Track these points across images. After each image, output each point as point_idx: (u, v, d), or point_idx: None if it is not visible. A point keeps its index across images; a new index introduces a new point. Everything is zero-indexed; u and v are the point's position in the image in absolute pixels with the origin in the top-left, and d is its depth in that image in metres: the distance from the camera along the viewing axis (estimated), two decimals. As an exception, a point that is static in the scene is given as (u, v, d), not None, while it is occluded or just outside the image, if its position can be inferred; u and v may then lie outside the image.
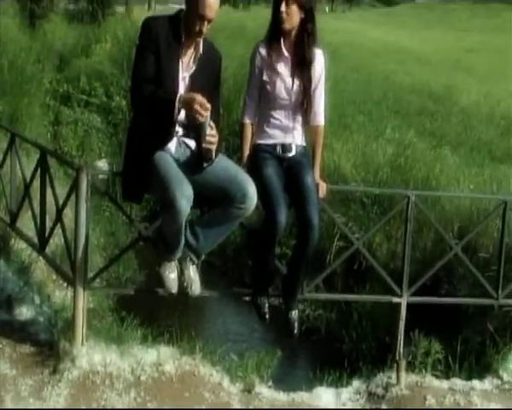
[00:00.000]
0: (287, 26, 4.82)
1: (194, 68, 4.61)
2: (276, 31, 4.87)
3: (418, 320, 6.78)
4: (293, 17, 4.80)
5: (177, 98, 4.35)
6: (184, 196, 4.35)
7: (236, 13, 44.34)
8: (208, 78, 4.68)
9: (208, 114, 4.31)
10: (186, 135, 4.70)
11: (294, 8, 4.78)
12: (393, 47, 36.08)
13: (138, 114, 4.66)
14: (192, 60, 4.62)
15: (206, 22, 4.48)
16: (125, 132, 16.19)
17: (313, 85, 4.97)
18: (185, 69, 4.61)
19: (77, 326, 5.11)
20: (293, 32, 4.87)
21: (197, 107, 4.27)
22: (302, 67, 4.91)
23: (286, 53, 4.90)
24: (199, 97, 4.29)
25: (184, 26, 4.54)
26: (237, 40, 22.46)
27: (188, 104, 4.32)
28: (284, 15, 4.77)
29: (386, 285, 6.08)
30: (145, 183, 4.62)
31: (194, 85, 4.58)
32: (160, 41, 4.49)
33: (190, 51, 4.61)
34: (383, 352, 7.34)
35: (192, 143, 4.70)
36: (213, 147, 4.45)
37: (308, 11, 4.83)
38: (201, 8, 4.44)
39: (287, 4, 4.76)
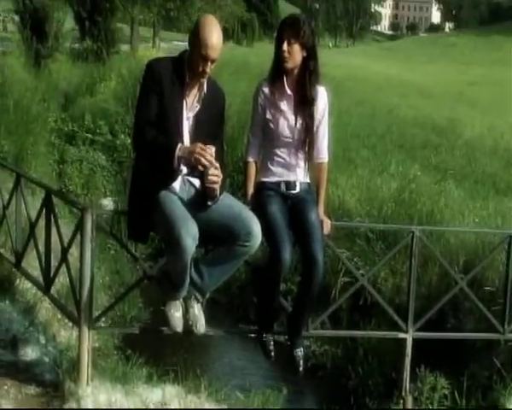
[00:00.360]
0: (289, 65, 4.86)
1: (198, 108, 4.63)
2: (278, 69, 4.91)
3: (424, 355, 6.76)
4: (295, 56, 4.84)
5: (178, 148, 4.40)
6: (190, 234, 4.36)
7: (240, 49, 44.68)
8: (212, 116, 4.71)
9: (210, 158, 4.34)
10: (190, 173, 4.71)
11: (296, 47, 4.83)
12: (396, 81, 36.31)
13: (140, 157, 4.70)
14: (196, 99, 4.64)
15: (209, 62, 4.52)
16: (129, 170, 16.34)
17: (316, 123, 4.99)
18: (189, 109, 4.63)
19: (82, 366, 5.10)
20: (296, 70, 4.90)
21: (197, 156, 4.33)
22: (305, 104, 4.93)
23: (289, 91, 4.93)
24: (198, 149, 4.34)
25: (188, 66, 4.58)
26: (241, 76, 22.63)
27: (188, 155, 4.37)
28: (286, 55, 4.82)
29: (392, 321, 6.07)
30: (150, 222, 4.62)
31: (198, 125, 4.62)
32: (163, 82, 4.52)
33: (194, 91, 4.64)
34: (389, 388, 7.31)
35: (196, 182, 4.71)
36: (217, 186, 4.48)
37: (310, 49, 4.88)
38: (204, 48, 4.48)
39: (289, 44, 4.81)
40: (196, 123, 4.63)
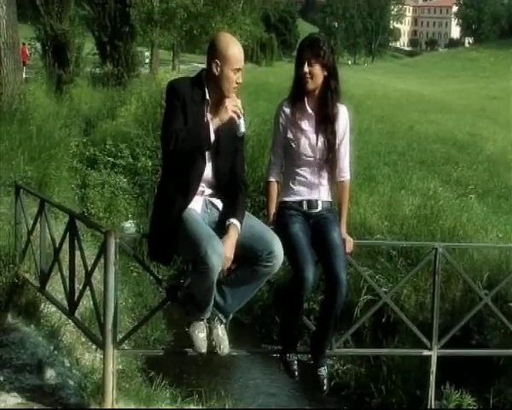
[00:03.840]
0: (310, 86, 4.89)
1: (219, 125, 4.68)
2: (299, 89, 4.94)
3: (449, 372, 6.71)
4: (316, 77, 4.87)
5: (210, 120, 4.58)
6: (216, 252, 4.39)
7: (259, 69, 44.86)
8: (233, 130, 4.74)
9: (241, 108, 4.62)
10: (213, 195, 4.76)
11: (317, 67, 4.85)
12: (416, 96, 36.22)
13: (168, 167, 4.73)
14: (217, 118, 4.69)
15: (240, 73, 4.67)
16: (151, 193, 16.44)
17: (338, 141, 5.01)
18: (211, 124, 4.66)
19: (107, 389, 5.12)
20: (317, 90, 4.93)
21: (231, 106, 4.56)
22: (326, 123, 4.95)
23: (310, 110, 4.96)
24: (227, 101, 4.60)
25: (211, 84, 4.66)
26: (260, 96, 22.73)
27: (222, 116, 4.58)
28: (308, 76, 4.85)
29: (416, 338, 6.03)
30: (173, 243, 4.65)
31: (219, 139, 4.66)
32: (185, 99, 4.60)
33: (215, 109, 4.69)
34: (414, 405, 7.25)
35: (219, 203, 4.76)
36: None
37: (331, 68, 4.90)
38: (236, 62, 4.62)
39: (309, 64, 4.84)
40: (218, 138, 4.66)
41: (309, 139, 4.95)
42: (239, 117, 4.58)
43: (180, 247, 4.65)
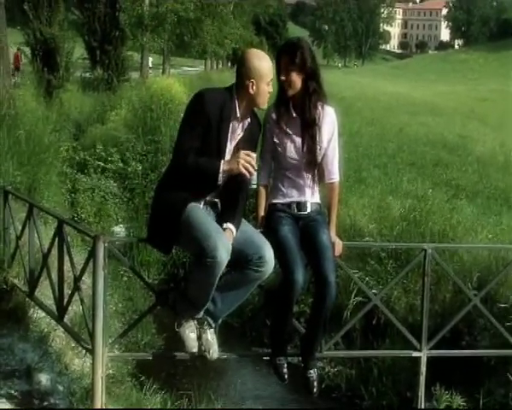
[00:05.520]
0: (290, 92, 4.91)
1: (240, 136, 4.74)
2: (282, 95, 4.95)
3: (439, 373, 6.72)
4: (294, 83, 4.87)
5: (222, 163, 4.54)
6: (225, 247, 4.43)
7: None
8: (250, 141, 4.79)
9: (254, 163, 4.53)
10: (213, 196, 4.79)
11: (294, 74, 4.86)
12: (406, 99, 36.35)
13: (173, 176, 4.71)
14: (240, 128, 4.74)
15: (271, 82, 4.74)
16: (141, 197, 16.40)
17: (324, 143, 5.01)
18: (234, 139, 4.73)
19: (96, 394, 5.10)
20: (299, 94, 4.94)
21: (242, 162, 4.50)
22: (309, 126, 4.97)
23: (294, 114, 4.97)
24: (242, 154, 4.51)
25: (242, 100, 4.67)
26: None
27: (233, 165, 4.52)
28: (285, 84, 4.87)
29: (406, 339, 6.04)
30: (175, 233, 4.63)
31: (237, 149, 4.69)
32: (211, 119, 4.59)
33: (240, 121, 4.73)
34: (404, 407, 7.26)
35: (218, 204, 4.79)
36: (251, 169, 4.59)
37: (309, 70, 4.90)
38: (270, 74, 4.69)
39: (286, 71, 4.85)
40: (236, 148, 4.71)
41: (294, 143, 4.96)
42: (251, 174, 4.57)
43: (184, 238, 4.62)
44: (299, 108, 4.96)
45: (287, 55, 4.85)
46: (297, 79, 4.88)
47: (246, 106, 4.70)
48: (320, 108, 4.98)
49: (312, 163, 4.98)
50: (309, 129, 4.94)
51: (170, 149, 17.16)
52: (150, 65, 41.98)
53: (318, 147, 4.98)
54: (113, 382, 6.35)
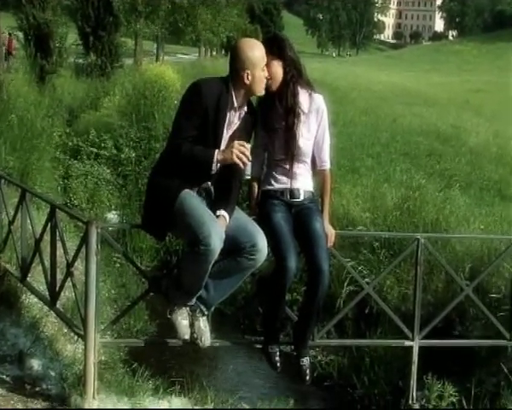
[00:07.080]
0: (273, 86, 4.89)
1: (237, 125, 4.73)
2: (267, 92, 4.91)
3: (431, 363, 6.73)
4: (276, 74, 4.86)
5: (216, 153, 4.53)
6: (218, 235, 4.43)
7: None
8: (245, 129, 4.79)
9: (249, 154, 4.51)
10: (207, 183, 4.79)
11: (274, 63, 4.84)
12: (400, 89, 36.37)
13: (168, 162, 4.70)
14: (237, 118, 4.73)
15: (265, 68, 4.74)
16: (134, 184, 16.36)
17: (313, 131, 4.99)
18: (230, 128, 4.72)
19: (88, 380, 5.10)
20: (281, 85, 4.92)
21: (238, 152, 4.48)
22: (289, 113, 4.95)
23: (280, 108, 4.95)
24: (236, 145, 4.50)
25: (239, 90, 4.66)
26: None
27: (227, 155, 4.51)
28: (268, 80, 4.83)
29: (398, 329, 6.06)
30: (169, 219, 4.62)
31: (233, 138, 4.68)
32: (208, 109, 4.58)
33: (238, 110, 4.72)
34: (396, 396, 7.28)
35: (212, 189, 4.79)
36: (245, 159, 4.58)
37: (288, 59, 4.90)
38: (262, 62, 4.68)
39: (267, 65, 4.78)
40: (232, 137, 4.70)
41: (282, 132, 4.94)
42: (244, 164, 4.57)
43: (178, 225, 4.63)
44: (283, 99, 4.95)
45: (266, 47, 4.79)
46: (278, 69, 4.88)
47: (243, 95, 4.69)
48: (308, 95, 4.98)
49: (298, 150, 4.95)
50: (288, 117, 4.92)
51: (163, 135, 17.15)
52: (154, 51, 41.56)
53: (307, 135, 4.96)
54: (105, 368, 6.34)
